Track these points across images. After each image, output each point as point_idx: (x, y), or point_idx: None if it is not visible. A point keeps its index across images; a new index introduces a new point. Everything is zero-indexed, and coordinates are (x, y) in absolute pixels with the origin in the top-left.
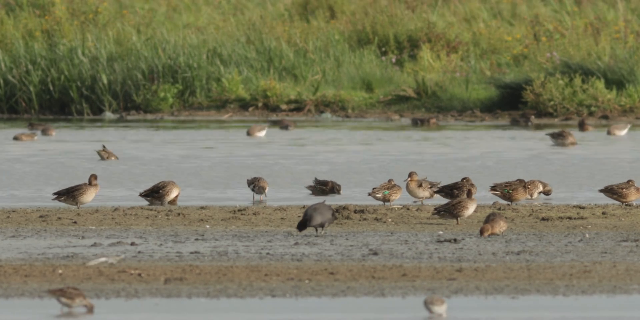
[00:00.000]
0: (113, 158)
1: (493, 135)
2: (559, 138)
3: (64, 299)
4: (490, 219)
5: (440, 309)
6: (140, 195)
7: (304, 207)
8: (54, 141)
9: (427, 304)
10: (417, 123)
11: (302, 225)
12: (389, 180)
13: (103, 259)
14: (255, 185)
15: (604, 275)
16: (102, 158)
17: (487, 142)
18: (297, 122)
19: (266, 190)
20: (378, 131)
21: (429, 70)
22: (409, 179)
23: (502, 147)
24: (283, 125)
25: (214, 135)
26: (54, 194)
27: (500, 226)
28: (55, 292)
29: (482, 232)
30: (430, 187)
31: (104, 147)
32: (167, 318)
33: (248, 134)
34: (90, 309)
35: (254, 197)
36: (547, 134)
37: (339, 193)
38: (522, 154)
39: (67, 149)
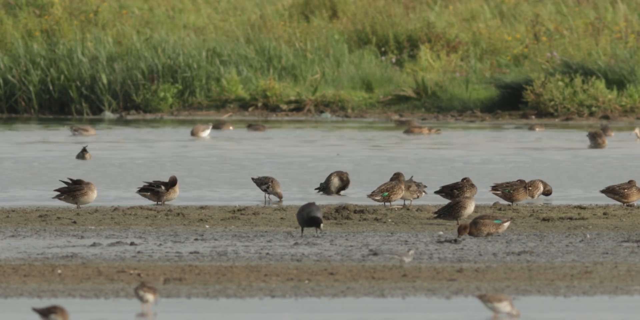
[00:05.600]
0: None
1: (493, 135)
2: (594, 138)
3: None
4: (473, 221)
5: (502, 305)
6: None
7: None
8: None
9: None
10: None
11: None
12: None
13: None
14: (269, 185)
15: (605, 276)
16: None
17: (487, 142)
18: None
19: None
20: (378, 131)
21: (428, 70)
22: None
23: (502, 147)
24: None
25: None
26: (55, 191)
27: (481, 231)
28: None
29: (459, 231)
30: (418, 188)
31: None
32: (167, 318)
33: (192, 134)
34: None
35: (265, 197)
36: (587, 135)
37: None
38: (522, 154)
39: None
